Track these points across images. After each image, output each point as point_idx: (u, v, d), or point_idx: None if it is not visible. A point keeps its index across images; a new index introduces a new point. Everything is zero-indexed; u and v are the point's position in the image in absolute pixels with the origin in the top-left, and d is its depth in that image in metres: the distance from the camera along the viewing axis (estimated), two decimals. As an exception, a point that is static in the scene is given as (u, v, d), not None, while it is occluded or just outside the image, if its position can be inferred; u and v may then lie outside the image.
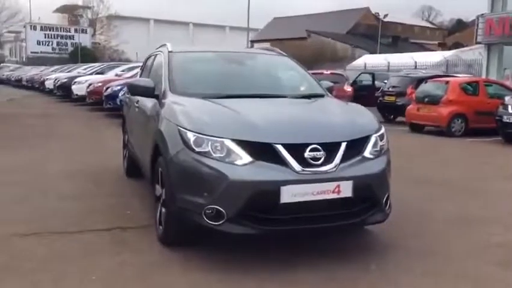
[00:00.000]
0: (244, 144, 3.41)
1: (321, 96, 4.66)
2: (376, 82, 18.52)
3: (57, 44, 45.11)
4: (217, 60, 4.99)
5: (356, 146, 3.65)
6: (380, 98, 15.67)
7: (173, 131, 3.66)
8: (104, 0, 51.00)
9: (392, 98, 15.11)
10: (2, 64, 45.43)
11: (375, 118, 4.14)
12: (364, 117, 4.07)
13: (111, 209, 4.85)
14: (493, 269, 3.67)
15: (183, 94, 4.22)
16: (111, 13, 50.72)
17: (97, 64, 23.85)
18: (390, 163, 3.97)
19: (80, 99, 17.37)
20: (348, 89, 15.20)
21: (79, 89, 17.21)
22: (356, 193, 3.52)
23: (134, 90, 4.52)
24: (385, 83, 16.21)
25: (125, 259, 3.64)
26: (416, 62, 28.85)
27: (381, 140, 3.90)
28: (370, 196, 3.67)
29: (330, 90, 5.02)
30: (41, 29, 44.38)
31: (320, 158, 3.44)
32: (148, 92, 4.43)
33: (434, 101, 12.50)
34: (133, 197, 5.36)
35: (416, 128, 13.12)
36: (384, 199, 3.76)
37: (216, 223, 3.37)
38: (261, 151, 3.40)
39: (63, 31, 45.20)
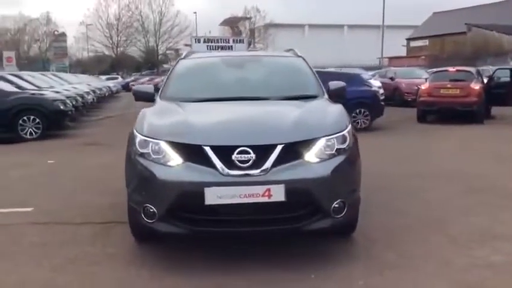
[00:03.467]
0: (176, 146, 3.52)
1: (313, 97, 4.48)
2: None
3: (218, 54, 48.83)
4: (217, 65, 5.13)
5: (296, 149, 3.49)
6: (516, 97, 13.86)
7: (132, 133, 3.94)
8: (261, 11, 53.89)
9: (529, 96, 13.24)
10: (168, 74, 50.81)
11: (341, 120, 3.87)
12: (324, 119, 3.83)
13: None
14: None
15: (166, 99, 4.48)
16: (267, 22, 53.29)
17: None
18: (350, 167, 3.69)
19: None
20: (476, 87, 13.66)
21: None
22: (290, 198, 3.38)
23: (135, 95, 4.90)
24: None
25: (90, 250, 4.03)
26: None
27: (341, 143, 3.65)
28: (310, 202, 3.47)
29: (339, 91, 4.78)
30: (204, 41, 48.07)
31: (248, 161, 3.39)
32: (146, 98, 4.76)
33: None
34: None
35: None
36: (333, 206, 3.50)
37: (150, 221, 3.55)
38: (191, 153, 3.47)
39: (222, 42, 48.51)
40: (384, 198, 5.39)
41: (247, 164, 3.39)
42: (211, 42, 56.00)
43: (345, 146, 3.66)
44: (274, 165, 3.40)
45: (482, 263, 3.63)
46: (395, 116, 15.26)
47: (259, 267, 3.60)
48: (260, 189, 3.36)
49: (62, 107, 11.62)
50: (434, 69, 16.90)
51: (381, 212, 4.86)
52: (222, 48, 55.42)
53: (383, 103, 13.11)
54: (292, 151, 3.48)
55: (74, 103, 13.23)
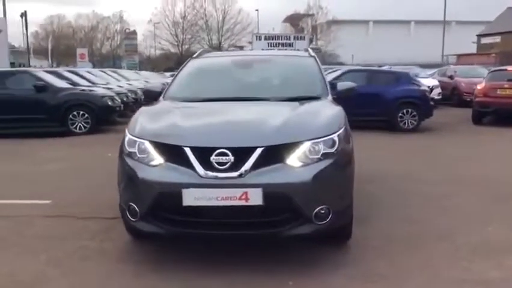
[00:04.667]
0: (159, 146, 3.56)
1: (315, 98, 4.37)
2: None
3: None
4: (225, 65, 5.12)
5: (277, 152, 3.42)
6: None
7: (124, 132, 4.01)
8: (323, 7, 53.30)
9: None
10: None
11: (332, 123, 3.74)
12: (314, 122, 3.72)
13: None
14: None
15: (168, 98, 4.55)
16: (329, 19, 52.65)
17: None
18: (339, 172, 3.56)
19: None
20: (531, 86, 12.76)
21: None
22: (268, 202, 3.32)
23: (145, 94, 4.98)
24: None
25: (89, 244, 4.16)
26: None
27: (329, 147, 3.53)
28: (290, 207, 3.38)
29: (347, 92, 4.67)
30: (265, 39, 48.36)
31: (226, 163, 3.36)
32: (152, 97, 4.84)
33: None
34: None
35: None
36: (315, 212, 3.39)
37: (134, 220, 3.62)
38: (172, 153, 3.49)
39: (283, 39, 48.56)
40: (396, 204, 5.17)
41: (225, 166, 3.35)
42: (272, 39, 56.01)
43: (333, 150, 3.54)
44: (253, 168, 3.35)
45: (476, 278, 3.39)
46: (450, 117, 14.61)
47: (245, 270, 3.57)
48: (237, 192, 3.31)
49: (110, 103, 12.07)
50: (492, 68, 15.93)
51: (387, 219, 4.66)
52: (283, 45, 55.28)
53: (432, 103, 12.54)
54: (274, 154, 3.40)
55: (124, 99, 13.69)
